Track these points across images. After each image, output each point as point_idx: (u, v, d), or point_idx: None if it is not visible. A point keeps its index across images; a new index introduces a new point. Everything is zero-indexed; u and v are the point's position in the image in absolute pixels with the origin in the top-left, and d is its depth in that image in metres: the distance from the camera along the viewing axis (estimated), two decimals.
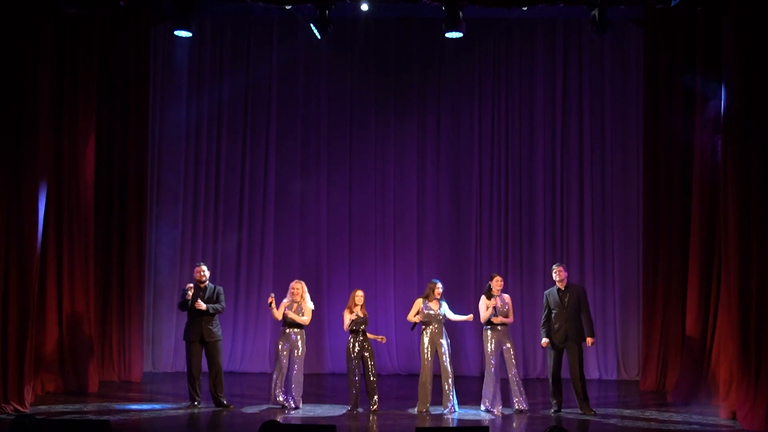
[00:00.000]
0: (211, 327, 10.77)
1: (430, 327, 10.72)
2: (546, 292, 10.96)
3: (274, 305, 10.79)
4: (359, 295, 10.77)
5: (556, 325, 10.66)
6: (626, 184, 13.98)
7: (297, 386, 10.71)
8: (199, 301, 10.69)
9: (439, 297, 10.76)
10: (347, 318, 10.71)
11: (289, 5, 11.64)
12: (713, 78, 11.30)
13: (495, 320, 10.65)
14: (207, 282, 10.91)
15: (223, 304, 10.92)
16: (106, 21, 12.38)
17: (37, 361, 11.08)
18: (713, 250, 11.39)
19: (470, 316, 10.89)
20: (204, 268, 10.96)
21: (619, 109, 14.07)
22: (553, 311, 10.69)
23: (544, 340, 10.72)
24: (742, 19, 10.12)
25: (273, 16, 13.97)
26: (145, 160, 13.18)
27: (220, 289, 11.02)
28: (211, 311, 10.74)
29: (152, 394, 11.93)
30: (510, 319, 10.78)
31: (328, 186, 14.21)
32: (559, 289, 10.74)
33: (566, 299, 10.65)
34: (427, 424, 10.02)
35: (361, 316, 10.72)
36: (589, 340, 10.72)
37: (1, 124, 10.31)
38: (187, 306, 10.77)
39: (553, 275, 10.81)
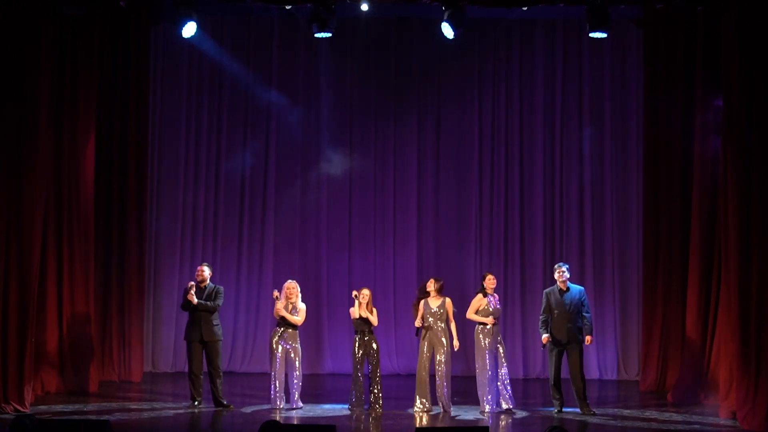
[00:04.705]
0: (210, 327, 10.77)
1: (430, 325, 10.68)
2: (546, 290, 10.92)
3: (278, 297, 10.79)
4: (364, 294, 10.76)
5: (558, 326, 10.64)
6: (626, 184, 13.96)
7: (297, 385, 10.69)
8: (192, 293, 10.67)
9: (434, 292, 10.70)
10: (354, 314, 10.74)
11: (289, 5, 11.64)
12: (713, 78, 11.30)
13: (488, 322, 10.65)
14: (208, 282, 10.93)
15: (219, 302, 10.86)
16: (106, 21, 12.35)
17: (37, 361, 11.07)
18: (713, 250, 11.38)
19: (456, 345, 10.74)
20: (204, 268, 10.97)
21: (619, 109, 14.06)
22: (555, 311, 10.66)
23: (545, 336, 10.68)
24: (742, 19, 10.12)
25: (273, 16, 13.96)
26: (145, 160, 13.18)
27: (220, 288, 11.01)
28: (201, 308, 10.71)
29: (152, 394, 11.94)
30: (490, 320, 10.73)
31: (328, 185, 14.19)
32: (560, 290, 10.72)
33: (567, 300, 10.64)
34: (427, 424, 10.02)
35: (363, 317, 10.70)
36: (587, 338, 10.70)
37: (1, 124, 10.30)
38: (189, 306, 10.76)
39: (555, 275, 10.80)
